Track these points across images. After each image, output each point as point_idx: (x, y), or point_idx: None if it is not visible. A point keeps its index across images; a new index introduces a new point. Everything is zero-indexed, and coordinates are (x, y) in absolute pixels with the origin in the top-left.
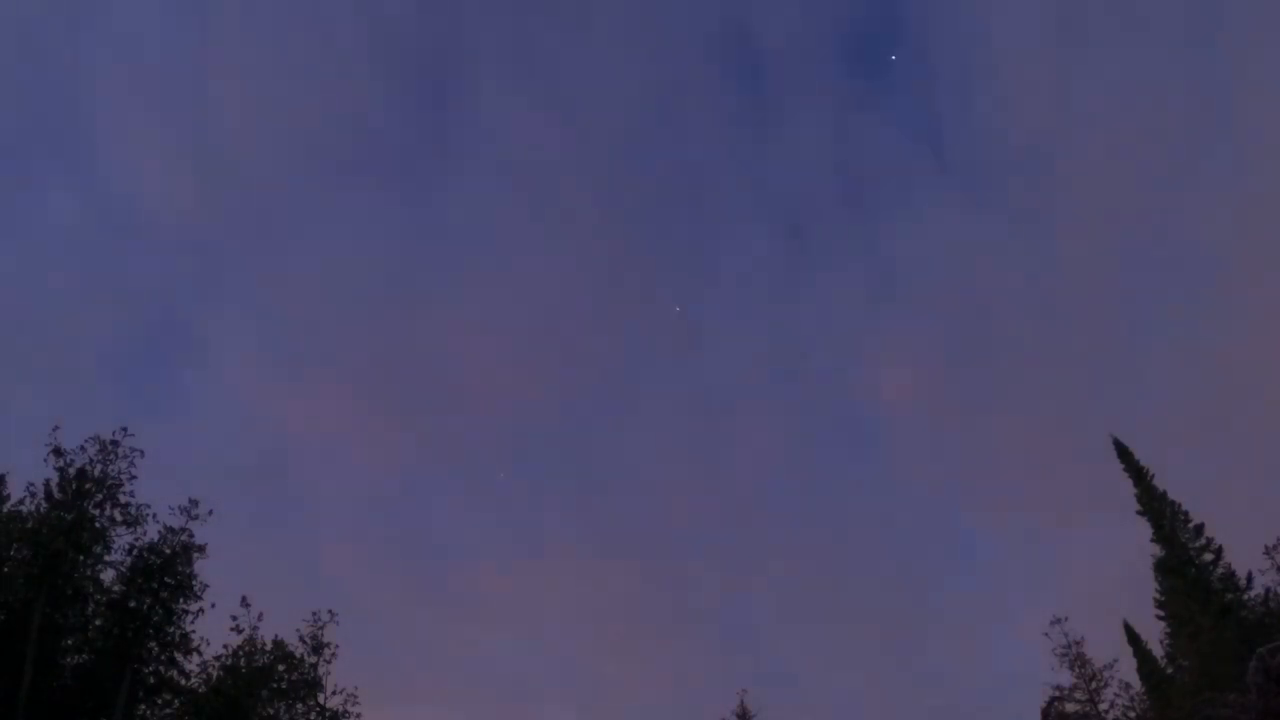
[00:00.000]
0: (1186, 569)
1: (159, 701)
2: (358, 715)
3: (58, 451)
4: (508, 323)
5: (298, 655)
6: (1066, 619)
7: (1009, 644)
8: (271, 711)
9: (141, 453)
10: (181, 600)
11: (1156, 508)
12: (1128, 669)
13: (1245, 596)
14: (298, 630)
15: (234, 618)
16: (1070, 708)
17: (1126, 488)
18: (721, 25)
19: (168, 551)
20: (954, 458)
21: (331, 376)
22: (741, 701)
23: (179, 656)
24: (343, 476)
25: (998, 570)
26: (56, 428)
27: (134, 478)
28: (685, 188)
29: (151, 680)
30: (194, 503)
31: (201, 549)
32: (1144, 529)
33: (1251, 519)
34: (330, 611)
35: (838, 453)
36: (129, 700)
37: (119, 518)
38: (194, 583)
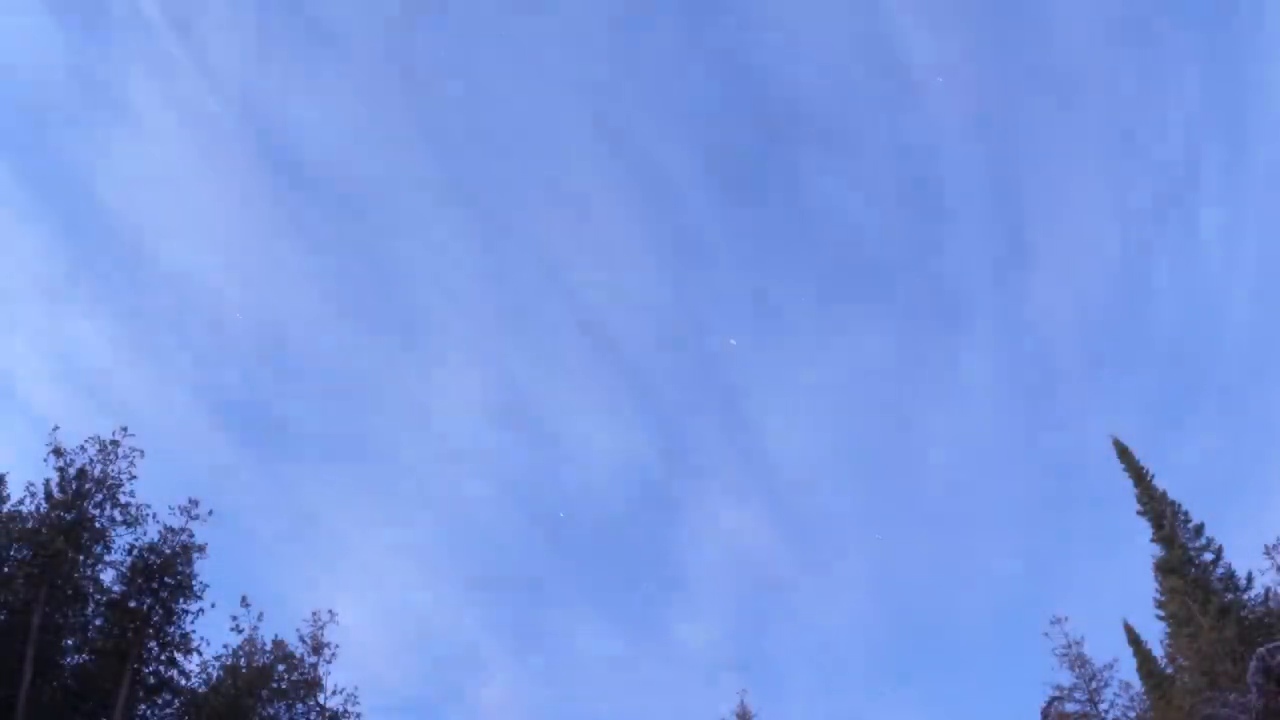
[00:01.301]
0: (1186, 569)
1: (159, 701)
2: (358, 715)
3: (58, 451)
4: None
5: (298, 655)
6: (1067, 619)
7: None
8: (271, 711)
9: (141, 452)
10: (181, 600)
11: (1156, 508)
12: (1128, 669)
13: (1245, 596)
14: (298, 630)
15: (234, 618)
16: (1070, 708)
17: (1127, 487)
18: None
19: (168, 551)
20: None
21: None
22: (741, 701)
23: (179, 656)
24: None
25: None
26: (56, 428)
27: (134, 478)
28: None
29: (151, 680)
30: (194, 502)
31: (201, 549)
32: (1144, 529)
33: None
34: (330, 611)
35: None
36: (129, 700)
37: (119, 518)
38: (194, 583)
